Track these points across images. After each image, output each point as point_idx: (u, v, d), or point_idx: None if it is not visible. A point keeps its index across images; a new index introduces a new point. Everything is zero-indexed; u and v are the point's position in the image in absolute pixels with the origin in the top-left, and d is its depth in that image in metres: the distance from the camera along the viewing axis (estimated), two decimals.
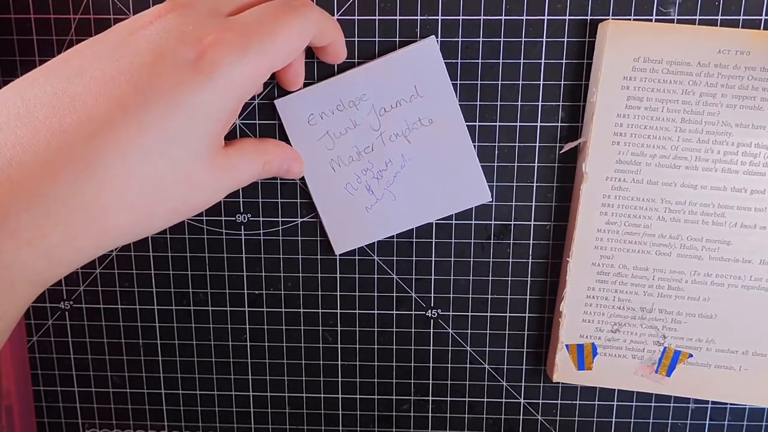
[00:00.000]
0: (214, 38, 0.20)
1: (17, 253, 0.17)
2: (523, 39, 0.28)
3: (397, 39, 0.28)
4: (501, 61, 0.28)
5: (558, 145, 0.29)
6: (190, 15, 0.21)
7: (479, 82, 0.29)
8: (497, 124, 0.29)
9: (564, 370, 0.30)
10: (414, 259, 0.31)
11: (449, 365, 0.32)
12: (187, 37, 0.20)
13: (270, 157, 0.26)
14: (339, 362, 0.32)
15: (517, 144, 0.29)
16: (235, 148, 0.24)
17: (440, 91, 0.28)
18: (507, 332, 0.32)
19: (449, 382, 0.32)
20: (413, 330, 0.32)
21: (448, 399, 0.33)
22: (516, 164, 0.30)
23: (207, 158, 0.21)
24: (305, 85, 0.29)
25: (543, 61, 0.28)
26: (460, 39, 0.28)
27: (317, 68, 0.29)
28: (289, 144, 0.29)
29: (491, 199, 0.30)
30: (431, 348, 0.32)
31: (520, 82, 0.29)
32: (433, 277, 0.31)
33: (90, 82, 0.19)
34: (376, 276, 0.31)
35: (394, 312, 0.32)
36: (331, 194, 0.30)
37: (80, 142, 0.18)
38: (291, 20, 0.22)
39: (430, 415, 0.33)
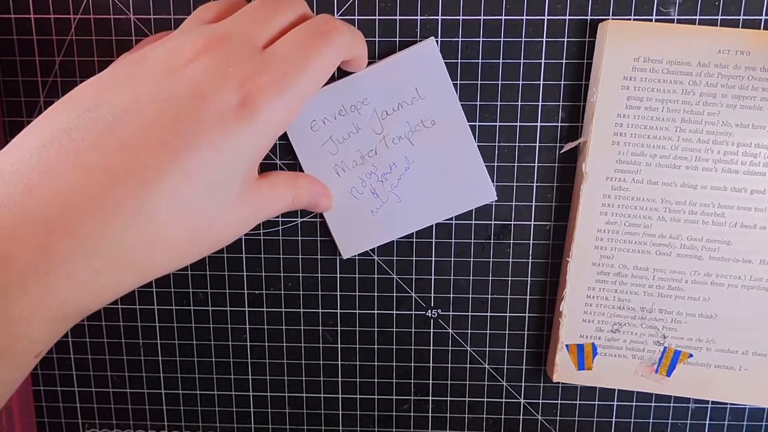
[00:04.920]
0: (254, 84, 0.21)
1: (71, 293, 0.18)
2: (523, 39, 0.28)
3: (397, 39, 0.28)
4: (501, 61, 0.28)
5: (558, 145, 0.29)
6: (228, 53, 0.21)
7: (479, 82, 0.29)
8: (497, 124, 0.29)
9: (564, 370, 0.30)
10: (414, 259, 0.31)
11: (449, 365, 0.32)
12: (228, 80, 0.20)
13: (300, 191, 0.26)
14: (339, 362, 0.32)
15: (517, 144, 0.29)
16: (267, 181, 0.24)
17: (441, 92, 0.28)
18: (507, 332, 0.32)
19: (449, 382, 0.32)
20: (413, 330, 0.32)
21: (448, 399, 0.33)
22: (516, 164, 0.30)
23: (242, 195, 0.22)
24: None
25: (543, 61, 0.28)
26: (460, 39, 0.28)
27: None
28: (293, 150, 0.29)
29: (496, 199, 0.30)
30: (431, 348, 0.32)
31: (520, 82, 0.29)
32: (433, 277, 0.31)
33: (136, 123, 0.19)
34: (376, 276, 0.31)
35: (394, 312, 0.32)
36: (337, 199, 0.30)
37: (132, 190, 0.19)
38: (323, 51, 0.22)
39: (430, 415, 0.33)
